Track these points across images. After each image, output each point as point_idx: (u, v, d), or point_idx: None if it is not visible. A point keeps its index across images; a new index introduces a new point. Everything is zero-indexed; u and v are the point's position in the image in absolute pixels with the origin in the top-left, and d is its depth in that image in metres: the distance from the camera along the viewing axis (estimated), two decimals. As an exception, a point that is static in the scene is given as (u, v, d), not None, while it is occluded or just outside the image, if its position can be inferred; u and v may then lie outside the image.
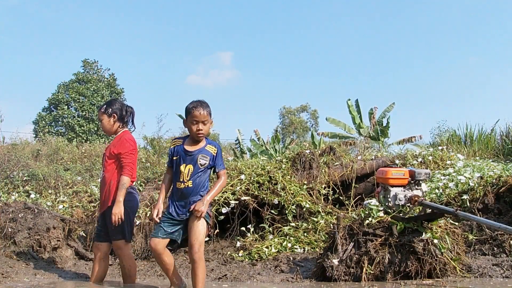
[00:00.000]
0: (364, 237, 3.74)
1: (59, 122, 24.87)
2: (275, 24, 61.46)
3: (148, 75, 55.66)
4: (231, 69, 59.32)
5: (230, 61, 59.23)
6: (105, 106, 3.80)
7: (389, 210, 3.77)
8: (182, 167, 3.15)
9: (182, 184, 3.14)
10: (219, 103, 58.09)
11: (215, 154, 3.19)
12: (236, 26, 62.76)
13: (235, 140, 13.55)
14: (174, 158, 3.22)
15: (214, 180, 5.38)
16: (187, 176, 3.13)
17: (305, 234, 5.03)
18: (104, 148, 4.01)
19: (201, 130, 3.14)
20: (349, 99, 15.66)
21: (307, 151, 6.14)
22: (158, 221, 3.18)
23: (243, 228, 5.17)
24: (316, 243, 4.82)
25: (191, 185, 3.13)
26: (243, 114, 53.37)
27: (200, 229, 3.07)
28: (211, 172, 3.27)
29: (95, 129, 24.17)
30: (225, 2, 63.36)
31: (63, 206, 5.40)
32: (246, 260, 4.63)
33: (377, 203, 3.92)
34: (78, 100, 25.12)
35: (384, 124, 15.14)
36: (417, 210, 3.79)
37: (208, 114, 3.16)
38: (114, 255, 4.46)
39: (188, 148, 3.19)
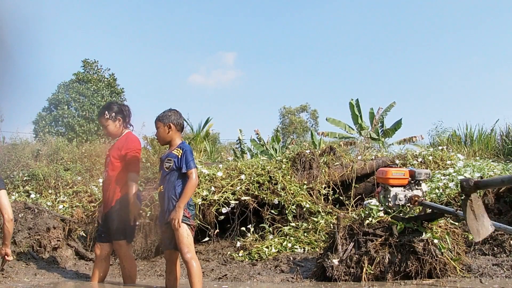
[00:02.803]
0: (364, 237, 3.74)
1: (59, 122, 24.84)
2: (277, 25, 61.46)
3: (149, 74, 55.75)
4: (234, 69, 59.32)
5: (233, 62, 59.24)
6: (107, 111, 3.75)
7: (389, 210, 3.77)
8: (158, 175, 3.37)
9: (158, 189, 3.32)
10: (221, 103, 58.09)
11: (180, 156, 3.22)
12: (239, 26, 62.79)
13: (236, 140, 13.56)
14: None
15: (211, 181, 5.40)
16: (159, 182, 3.30)
17: (305, 234, 5.03)
18: (107, 149, 3.99)
19: (155, 136, 3.45)
20: (352, 99, 15.61)
21: (307, 151, 6.13)
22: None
23: (243, 228, 5.17)
24: (316, 243, 4.82)
25: (163, 189, 3.25)
26: (245, 114, 53.40)
27: (181, 232, 3.13)
28: (180, 174, 3.24)
29: (95, 129, 24.14)
30: (229, 2, 63.40)
31: (63, 206, 5.40)
32: (246, 260, 4.63)
33: (377, 203, 3.92)
34: (78, 100, 25.10)
35: (388, 126, 15.14)
36: (417, 210, 3.79)
37: (157, 121, 3.39)
38: (114, 255, 4.47)
39: (162, 156, 3.39)
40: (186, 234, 3.13)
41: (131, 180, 3.58)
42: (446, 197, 4.90)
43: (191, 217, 3.24)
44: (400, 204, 3.70)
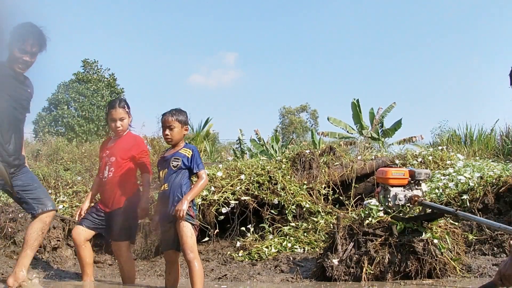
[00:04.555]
0: (364, 237, 3.74)
1: (59, 122, 24.86)
2: (278, 25, 61.49)
3: (149, 74, 55.78)
4: (234, 69, 59.34)
5: (234, 62, 59.27)
6: (126, 105, 3.72)
7: (389, 210, 3.77)
8: (160, 173, 3.31)
9: (161, 188, 3.29)
10: (221, 103, 58.14)
11: (189, 156, 3.26)
12: (241, 27, 62.87)
13: (236, 140, 13.56)
14: (158, 168, 3.39)
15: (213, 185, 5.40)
16: (163, 180, 3.27)
17: (305, 234, 5.03)
18: (106, 147, 3.79)
19: (168, 135, 3.30)
20: (354, 99, 15.56)
21: (307, 151, 6.13)
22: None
23: (243, 228, 5.17)
24: (316, 243, 4.82)
25: (167, 187, 3.23)
26: (245, 114, 53.44)
27: (185, 232, 3.13)
28: (190, 175, 3.29)
29: (95, 129, 24.16)
30: (230, 3, 63.47)
31: (63, 206, 5.40)
32: (246, 260, 4.63)
33: (377, 203, 3.92)
34: (78, 100, 25.12)
35: (388, 126, 15.12)
36: (417, 210, 3.79)
37: (174, 120, 3.30)
38: (113, 254, 4.46)
39: (166, 154, 3.36)
40: (190, 234, 3.14)
41: (148, 183, 3.64)
42: (446, 197, 4.90)
43: (195, 217, 3.25)
44: (400, 204, 3.70)
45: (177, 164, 3.23)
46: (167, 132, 3.28)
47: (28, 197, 3.11)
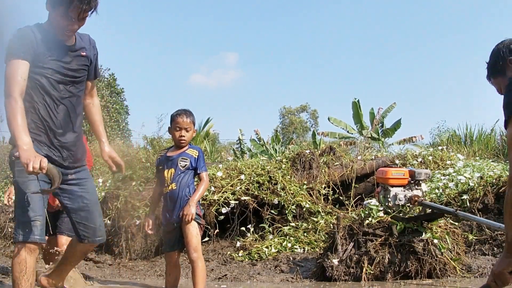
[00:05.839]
0: (364, 237, 3.74)
1: (59, 122, 24.81)
2: (279, 25, 61.49)
3: (149, 74, 55.77)
4: (235, 70, 59.37)
5: (235, 62, 59.29)
6: None
7: (389, 210, 3.78)
8: (165, 173, 3.27)
9: (167, 188, 3.25)
10: (221, 102, 58.15)
11: (196, 157, 3.28)
12: (242, 27, 62.89)
13: (236, 140, 13.57)
14: (160, 168, 3.34)
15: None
16: (170, 180, 3.24)
17: (305, 234, 5.03)
18: None
19: (183, 136, 3.26)
20: (355, 98, 15.53)
21: (307, 151, 6.13)
22: (150, 232, 3.35)
23: (243, 228, 5.17)
24: (316, 243, 4.82)
25: (175, 187, 3.22)
26: (245, 114, 53.43)
27: (191, 231, 3.13)
28: (194, 175, 3.30)
29: (95, 129, 24.08)
30: (231, 3, 63.51)
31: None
32: (246, 260, 4.63)
33: (377, 203, 3.92)
34: (78, 100, 25.06)
35: (388, 126, 15.12)
36: (417, 210, 3.79)
37: (191, 122, 3.29)
38: (113, 254, 4.47)
39: (170, 154, 3.33)
40: (195, 233, 3.15)
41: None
42: (446, 197, 4.90)
43: (202, 216, 3.27)
44: (400, 204, 3.70)
45: (186, 165, 3.23)
46: (183, 133, 3.26)
47: (75, 219, 2.53)
